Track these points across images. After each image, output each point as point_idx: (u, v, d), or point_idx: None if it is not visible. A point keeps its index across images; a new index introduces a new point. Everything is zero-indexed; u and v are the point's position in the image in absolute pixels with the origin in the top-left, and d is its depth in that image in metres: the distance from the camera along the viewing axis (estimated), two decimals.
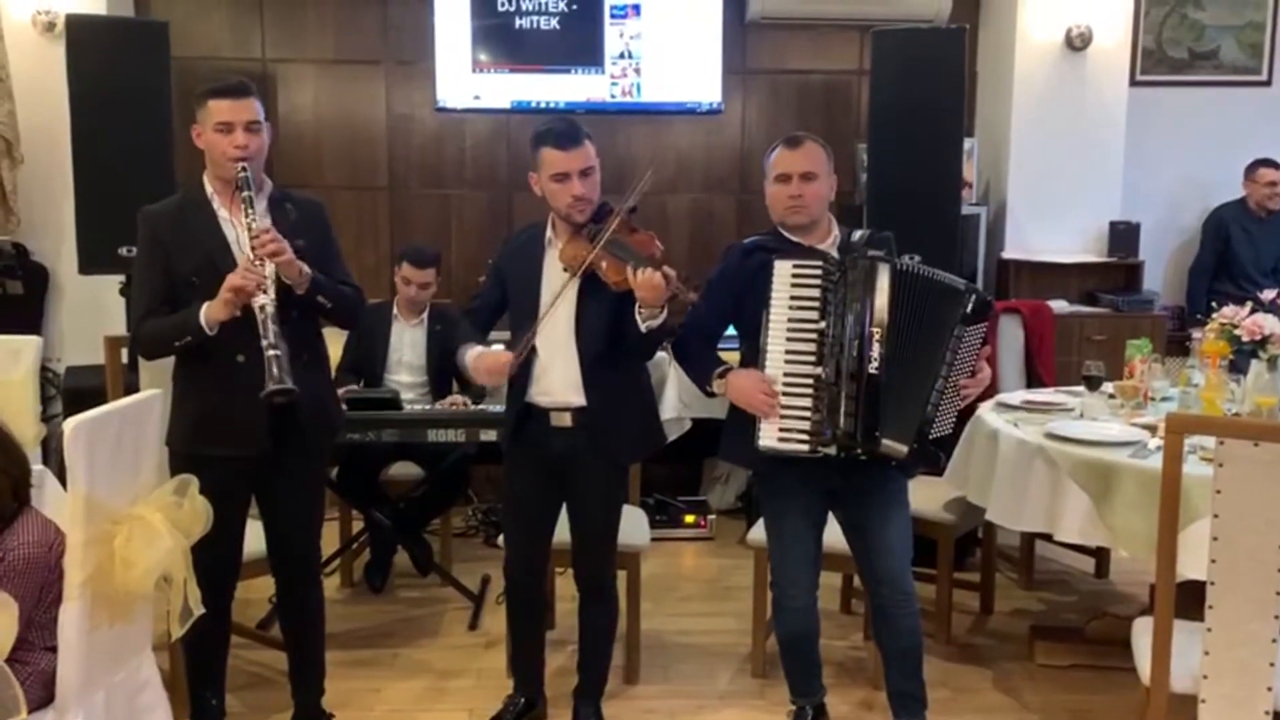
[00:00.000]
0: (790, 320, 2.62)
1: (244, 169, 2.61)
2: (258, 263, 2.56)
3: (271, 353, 2.53)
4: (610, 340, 2.78)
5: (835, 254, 2.70)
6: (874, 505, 2.75)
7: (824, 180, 2.75)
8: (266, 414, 2.61)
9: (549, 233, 2.85)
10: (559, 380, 2.80)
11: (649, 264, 2.62)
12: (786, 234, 2.78)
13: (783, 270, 2.64)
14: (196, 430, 2.67)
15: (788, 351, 2.62)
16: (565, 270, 2.76)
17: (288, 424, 2.65)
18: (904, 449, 2.57)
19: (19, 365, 3.18)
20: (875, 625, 2.88)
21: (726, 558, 4.51)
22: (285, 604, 2.94)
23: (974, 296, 2.58)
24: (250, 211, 2.60)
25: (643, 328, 2.67)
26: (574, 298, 2.77)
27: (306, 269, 2.64)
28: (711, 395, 2.78)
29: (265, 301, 2.56)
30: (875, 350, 2.56)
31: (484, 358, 2.80)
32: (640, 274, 2.60)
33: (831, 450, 2.60)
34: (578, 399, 2.79)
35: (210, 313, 2.56)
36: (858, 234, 2.76)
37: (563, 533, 2.99)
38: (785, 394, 2.61)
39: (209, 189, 2.71)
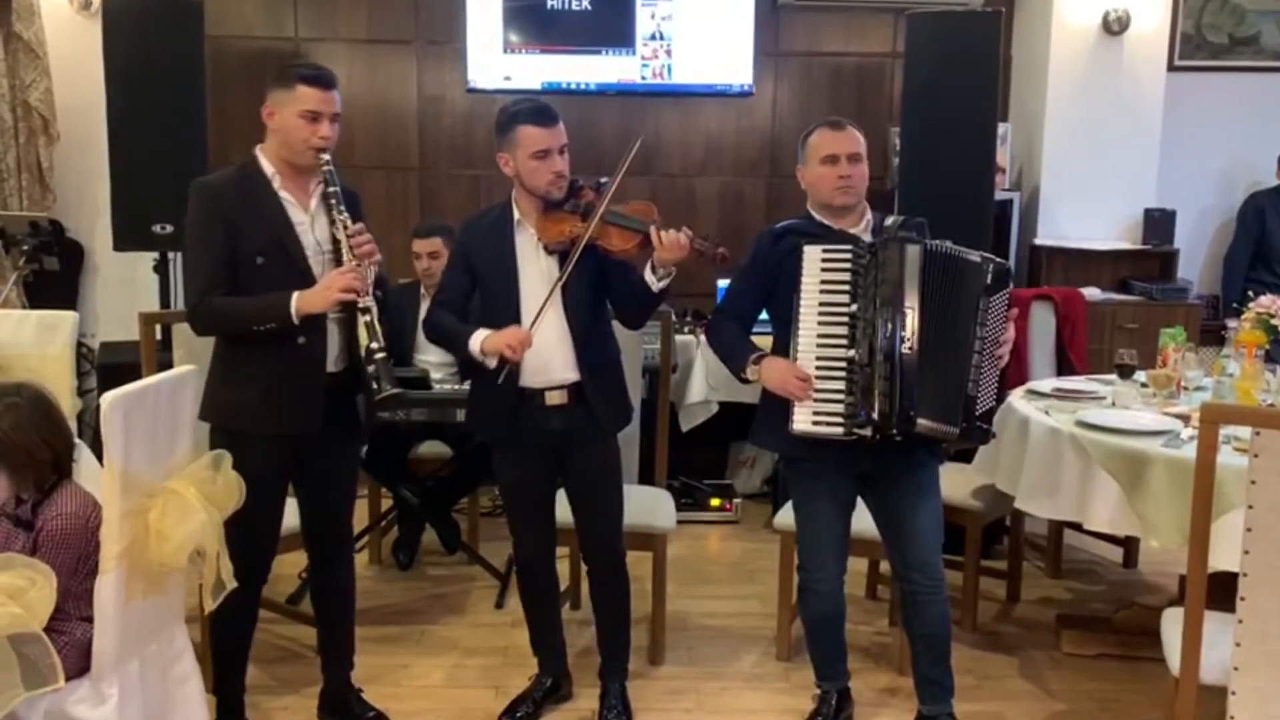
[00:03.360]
0: (821, 304, 2.63)
1: (328, 162, 2.59)
2: (357, 263, 2.55)
3: (380, 355, 2.54)
4: (597, 311, 2.83)
5: (868, 238, 2.70)
6: (905, 490, 2.74)
7: (865, 162, 2.76)
8: (323, 394, 2.63)
9: (516, 215, 2.81)
10: (554, 359, 2.79)
11: (659, 227, 2.66)
12: (819, 218, 2.77)
13: (812, 255, 2.64)
14: (247, 409, 2.62)
15: (820, 335, 2.63)
16: (548, 249, 2.75)
17: (339, 403, 2.66)
18: (954, 430, 2.58)
19: (56, 340, 3.22)
20: (904, 611, 2.88)
21: (752, 541, 4.51)
22: (318, 580, 2.95)
23: (992, 265, 2.60)
24: (341, 209, 2.59)
25: (656, 287, 2.71)
26: (556, 274, 2.76)
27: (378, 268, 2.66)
28: (746, 382, 2.77)
29: (370, 304, 2.55)
30: (908, 331, 2.57)
31: (498, 335, 2.70)
32: (665, 235, 2.64)
33: (866, 432, 2.59)
34: (572, 375, 2.80)
35: (305, 304, 2.53)
36: (890, 219, 2.76)
37: (567, 516, 3.00)
38: (818, 377, 2.61)
39: (268, 168, 2.64)
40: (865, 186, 2.77)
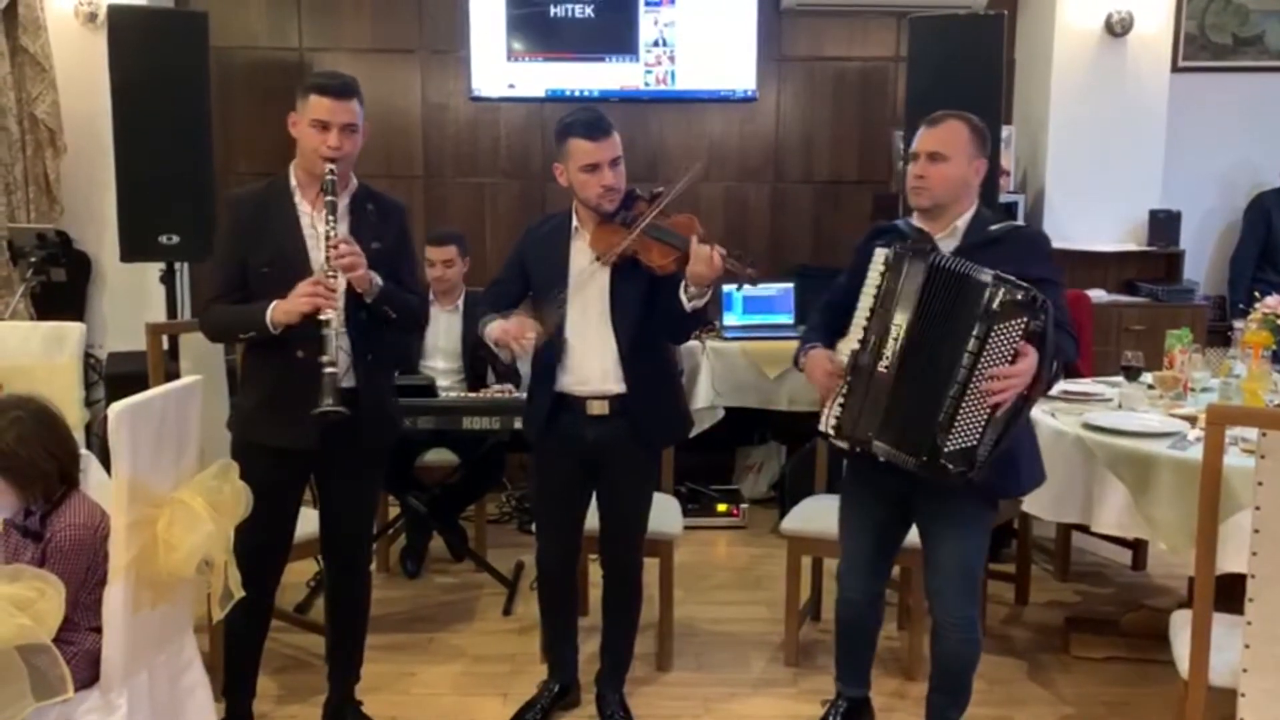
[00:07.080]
0: (863, 308, 2.55)
1: (331, 171, 2.58)
2: (331, 275, 2.53)
3: (329, 370, 2.52)
4: (644, 325, 2.79)
5: (953, 244, 2.54)
6: (934, 520, 2.61)
7: (955, 162, 2.53)
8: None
9: (574, 222, 2.84)
10: (595, 368, 2.80)
11: (699, 239, 2.63)
12: (914, 219, 2.64)
13: (876, 257, 2.55)
14: (252, 419, 2.69)
15: (856, 340, 2.54)
16: (597, 258, 2.76)
17: (344, 421, 2.66)
18: (910, 460, 2.43)
19: (63, 351, 3.23)
20: (931, 636, 2.72)
21: (759, 547, 4.51)
22: (333, 592, 2.94)
23: (1001, 290, 2.32)
24: (331, 218, 2.57)
25: (688, 306, 2.66)
26: (607, 284, 2.78)
27: (378, 280, 2.62)
28: (801, 370, 2.70)
29: (331, 316, 2.54)
30: (889, 348, 2.46)
31: (507, 322, 2.74)
32: (698, 248, 2.58)
33: (844, 446, 2.56)
34: (615, 386, 2.80)
35: (276, 315, 2.55)
36: (995, 226, 2.57)
37: (591, 520, 3.00)
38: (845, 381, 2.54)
39: (293, 180, 2.69)
40: (950, 187, 2.54)
